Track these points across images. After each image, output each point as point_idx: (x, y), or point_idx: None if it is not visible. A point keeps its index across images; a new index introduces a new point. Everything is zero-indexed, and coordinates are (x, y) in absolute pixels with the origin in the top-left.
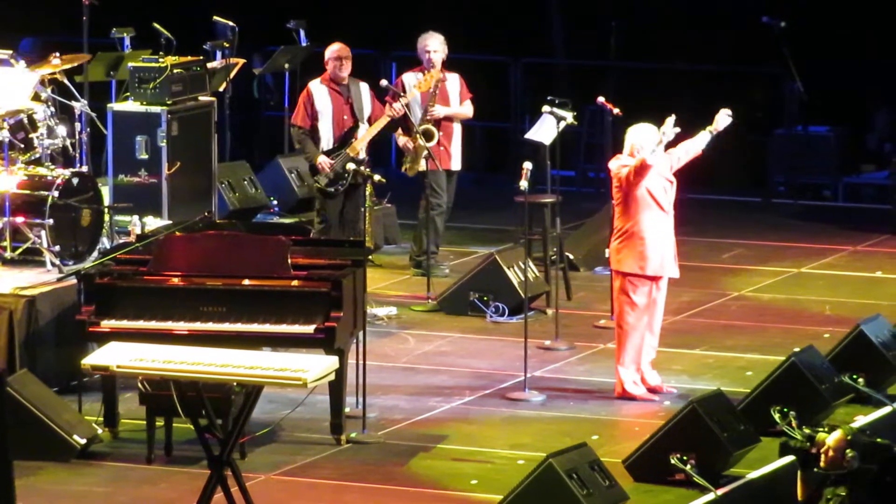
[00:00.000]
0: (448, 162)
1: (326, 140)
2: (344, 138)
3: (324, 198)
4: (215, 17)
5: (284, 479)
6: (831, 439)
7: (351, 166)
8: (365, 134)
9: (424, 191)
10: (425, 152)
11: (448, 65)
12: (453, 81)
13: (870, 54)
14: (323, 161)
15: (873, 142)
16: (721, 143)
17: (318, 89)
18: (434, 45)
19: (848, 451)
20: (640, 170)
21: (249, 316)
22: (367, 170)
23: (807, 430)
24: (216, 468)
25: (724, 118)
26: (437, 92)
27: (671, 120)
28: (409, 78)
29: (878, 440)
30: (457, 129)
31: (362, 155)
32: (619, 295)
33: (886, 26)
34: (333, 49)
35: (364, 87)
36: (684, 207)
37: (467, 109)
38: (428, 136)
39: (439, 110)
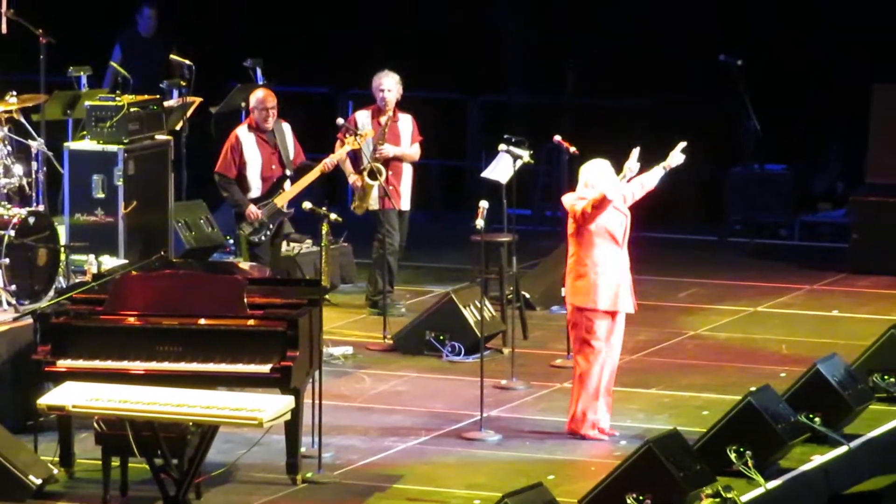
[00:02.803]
0: (398, 201)
1: (255, 189)
2: (273, 188)
3: (250, 246)
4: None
5: None
6: None
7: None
8: (291, 189)
9: (378, 229)
10: (375, 191)
11: (405, 102)
12: (406, 122)
13: (825, 93)
14: (252, 211)
15: (827, 180)
16: (677, 180)
17: (246, 138)
18: (388, 84)
19: None
20: (600, 204)
21: (205, 355)
22: (324, 209)
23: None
24: None
25: (678, 156)
26: (386, 131)
27: (636, 153)
28: (362, 116)
29: None
30: (407, 169)
31: (286, 208)
32: (576, 332)
33: (842, 66)
34: (259, 97)
35: (287, 130)
36: (640, 246)
37: (415, 151)
38: (373, 174)
39: (388, 149)
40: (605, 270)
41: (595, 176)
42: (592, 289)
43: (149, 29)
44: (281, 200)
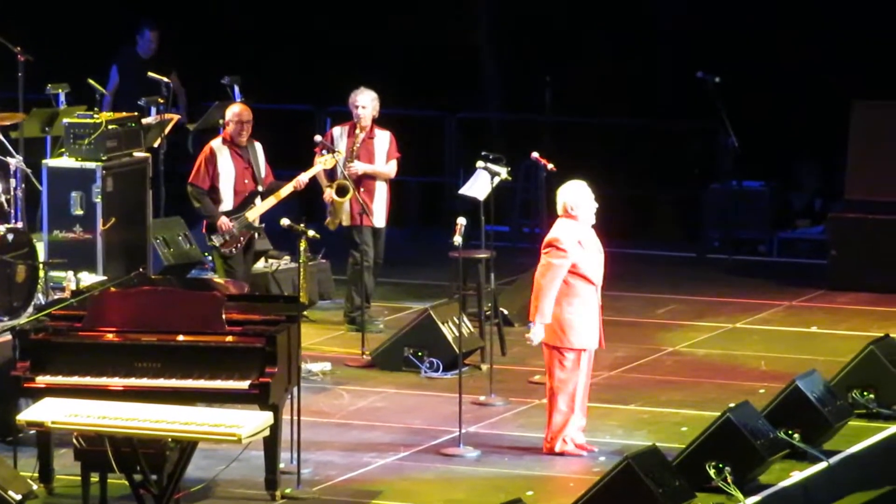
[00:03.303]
0: (372, 219)
1: (227, 202)
2: (244, 202)
3: (223, 259)
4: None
5: None
6: None
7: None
8: (262, 205)
9: (358, 246)
10: (346, 206)
11: (382, 119)
12: (383, 139)
13: (803, 109)
14: (224, 222)
15: (805, 197)
16: (656, 197)
17: (220, 150)
18: (363, 100)
19: None
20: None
21: (184, 372)
22: (302, 225)
23: None
24: None
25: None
26: (356, 148)
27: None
28: (338, 131)
29: None
30: (381, 186)
31: (257, 222)
32: (550, 364)
33: (820, 82)
34: (235, 111)
35: (259, 149)
36: (619, 262)
37: (390, 169)
38: (341, 191)
39: (358, 166)
40: (579, 310)
41: (572, 199)
42: (566, 327)
43: (149, 51)
44: (252, 214)
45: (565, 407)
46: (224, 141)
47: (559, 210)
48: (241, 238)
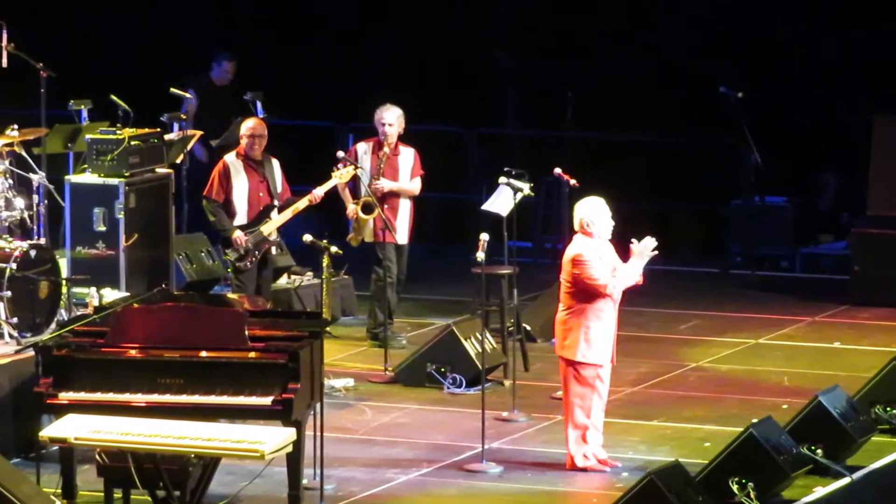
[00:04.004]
0: (393, 235)
1: (241, 216)
2: (259, 216)
3: (236, 273)
4: (172, 90)
5: None
6: None
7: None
8: (278, 218)
9: (381, 263)
10: (370, 223)
11: (404, 135)
12: (407, 156)
13: (825, 125)
14: (239, 236)
15: (828, 212)
16: (678, 213)
17: (233, 164)
18: (389, 118)
19: None
20: (598, 293)
21: (207, 388)
22: (324, 241)
23: None
24: None
25: (648, 249)
26: (383, 165)
27: (651, 242)
28: (362, 148)
29: None
30: (404, 203)
31: (274, 236)
32: (566, 379)
33: (842, 97)
34: (248, 125)
35: (276, 165)
36: (641, 278)
37: (414, 186)
38: (367, 209)
39: (384, 184)
40: (598, 325)
41: (590, 215)
42: (582, 343)
43: (224, 80)
44: (267, 228)
45: (583, 421)
46: (238, 155)
47: (576, 226)
48: (257, 252)
